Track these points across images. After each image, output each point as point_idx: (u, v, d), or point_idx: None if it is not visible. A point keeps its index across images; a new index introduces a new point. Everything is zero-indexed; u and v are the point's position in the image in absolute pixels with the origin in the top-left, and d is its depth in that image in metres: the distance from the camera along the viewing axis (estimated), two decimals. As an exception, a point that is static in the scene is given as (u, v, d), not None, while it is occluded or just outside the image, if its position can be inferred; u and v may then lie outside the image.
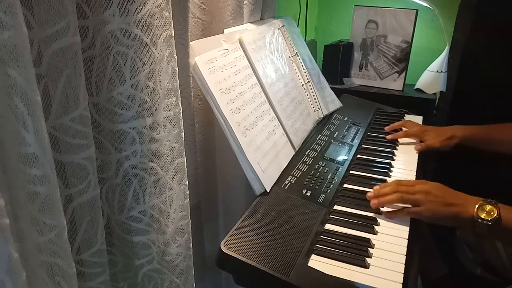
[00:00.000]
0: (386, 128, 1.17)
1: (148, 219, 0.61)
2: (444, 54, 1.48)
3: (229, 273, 0.66)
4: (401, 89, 1.56)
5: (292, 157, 0.94)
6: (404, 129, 1.16)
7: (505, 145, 1.00)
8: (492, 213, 0.69)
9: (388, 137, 1.13)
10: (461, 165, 1.13)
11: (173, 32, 0.57)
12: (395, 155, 1.04)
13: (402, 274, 0.62)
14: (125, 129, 0.56)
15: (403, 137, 1.13)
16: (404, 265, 0.64)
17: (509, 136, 1.00)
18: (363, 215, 0.77)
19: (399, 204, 0.78)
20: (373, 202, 0.78)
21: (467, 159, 1.11)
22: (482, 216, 0.69)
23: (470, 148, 1.04)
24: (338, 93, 1.35)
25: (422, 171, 0.98)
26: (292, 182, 0.84)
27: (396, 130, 1.16)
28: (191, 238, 0.70)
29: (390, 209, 0.78)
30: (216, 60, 0.81)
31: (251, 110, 0.85)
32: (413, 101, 1.50)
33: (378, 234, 0.72)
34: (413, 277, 0.64)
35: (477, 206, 0.70)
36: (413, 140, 1.12)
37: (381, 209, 0.78)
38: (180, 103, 0.61)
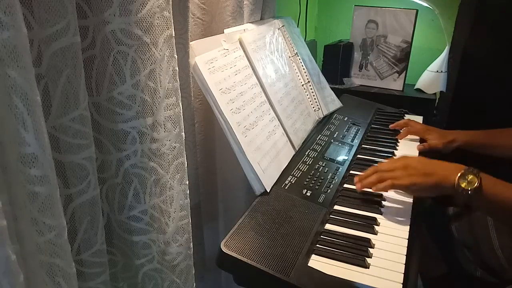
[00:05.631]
0: (391, 126, 1.18)
1: (149, 218, 0.61)
2: (444, 54, 1.48)
3: (229, 273, 0.66)
4: (401, 89, 1.56)
5: (292, 157, 0.94)
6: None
7: (506, 151, 1.00)
8: (473, 182, 0.69)
9: (398, 137, 1.14)
10: (461, 163, 1.13)
11: (173, 32, 0.57)
12: (395, 155, 1.04)
13: (402, 274, 0.62)
14: (125, 129, 0.56)
15: (406, 135, 1.14)
16: (404, 265, 0.64)
17: (509, 141, 1.00)
18: (363, 215, 0.77)
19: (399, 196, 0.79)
20: (357, 186, 0.81)
21: (468, 159, 1.11)
22: (463, 186, 0.69)
23: (471, 152, 1.05)
24: (338, 93, 1.35)
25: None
26: (292, 182, 0.84)
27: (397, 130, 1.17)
28: (191, 237, 0.70)
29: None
30: (216, 60, 0.81)
31: (251, 110, 0.85)
32: (413, 101, 1.50)
33: (378, 234, 0.72)
34: (413, 277, 0.64)
35: (458, 174, 0.71)
36: (413, 141, 1.13)
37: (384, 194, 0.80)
38: (180, 103, 0.61)
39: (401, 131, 1.15)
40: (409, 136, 1.14)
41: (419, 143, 1.11)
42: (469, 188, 0.69)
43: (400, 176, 0.76)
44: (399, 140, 1.13)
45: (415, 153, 1.06)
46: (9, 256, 0.33)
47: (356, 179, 0.83)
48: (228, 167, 0.94)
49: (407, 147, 1.09)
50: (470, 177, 0.70)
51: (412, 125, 1.15)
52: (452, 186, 0.71)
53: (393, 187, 0.77)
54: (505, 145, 1.01)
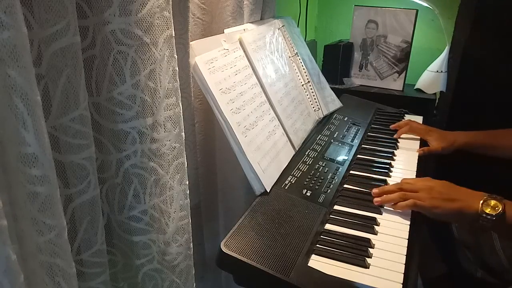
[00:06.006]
0: (392, 126, 1.18)
1: (149, 218, 0.61)
2: (444, 54, 1.48)
3: (229, 273, 0.66)
4: (401, 89, 1.56)
5: (292, 157, 0.94)
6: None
7: (506, 151, 1.01)
8: (497, 208, 0.69)
9: (396, 136, 1.14)
10: (461, 166, 1.13)
11: (173, 32, 0.57)
12: (395, 155, 1.04)
13: (402, 274, 0.62)
14: (125, 129, 0.56)
15: (408, 132, 1.14)
16: (404, 265, 0.64)
17: (509, 142, 1.00)
18: (363, 215, 0.77)
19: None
20: (376, 200, 0.79)
21: (468, 159, 1.11)
22: (487, 211, 0.69)
23: (471, 153, 1.05)
24: (338, 93, 1.35)
25: (423, 171, 0.98)
26: (292, 182, 0.84)
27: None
28: (191, 238, 0.70)
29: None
30: (216, 60, 0.81)
31: (251, 110, 0.85)
32: (413, 101, 1.50)
33: (378, 234, 0.72)
34: (413, 277, 0.64)
35: (482, 201, 0.70)
36: (414, 141, 1.13)
37: (385, 206, 0.79)
38: (180, 103, 0.61)
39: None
40: (409, 136, 1.15)
41: (419, 143, 1.11)
42: (493, 214, 0.69)
43: (423, 198, 0.75)
44: (399, 140, 1.13)
45: (415, 153, 1.06)
46: (10, 255, 0.33)
47: (376, 191, 0.81)
48: (228, 167, 0.94)
49: (407, 147, 1.09)
50: (493, 203, 0.70)
51: (412, 125, 1.15)
52: (475, 213, 0.70)
53: (414, 207, 0.76)
54: (505, 146, 1.01)
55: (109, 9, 0.49)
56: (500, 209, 0.68)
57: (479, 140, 1.05)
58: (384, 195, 0.79)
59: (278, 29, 1.11)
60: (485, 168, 1.13)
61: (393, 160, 1.01)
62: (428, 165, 1.12)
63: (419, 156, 1.04)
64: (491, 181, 0.75)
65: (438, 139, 1.07)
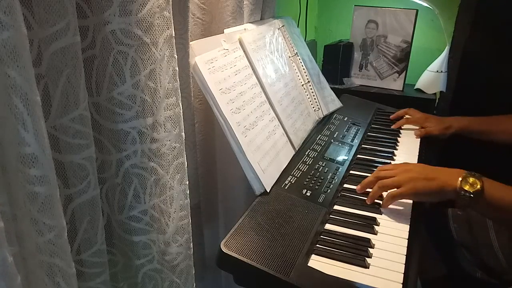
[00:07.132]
0: (392, 117, 1.23)
1: (149, 218, 0.61)
2: (444, 54, 1.48)
3: (229, 273, 0.66)
4: (401, 89, 1.56)
5: (292, 157, 0.94)
6: (407, 116, 1.23)
7: (501, 135, 1.04)
8: (475, 185, 0.69)
9: (393, 126, 1.20)
10: (462, 165, 1.14)
11: (173, 32, 0.57)
12: (395, 155, 1.04)
13: (402, 274, 0.62)
14: (125, 129, 0.56)
15: (405, 124, 1.19)
16: (404, 265, 0.64)
17: (503, 127, 1.04)
18: (363, 215, 0.77)
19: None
20: (367, 201, 0.80)
21: (468, 158, 1.12)
22: (465, 188, 0.70)
23: (470, 140, 1.09)
24: (338, 93, 1.35)
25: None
26: (292, 182, 0.84)
27: (399, 119, 1.22)
28: (191, 238, 0.70)
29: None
30: (216, 60, 0.81)
31: (251, 110, 0.85)
32: (413, 101, 1.50)
33: (378, 234, 0.72)
34: (413, 277, 0.64)
35: (460, 178, 0.71)
36: (414, 141, 1.13)
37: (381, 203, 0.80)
38: (180, 103, 0.61)
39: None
40: (409, 136, 1.15)
41: (419, 144, 1.12)
42: (472, 191, 0.69)
43: (401, 182, 0.76)
44: (399, 140, 1.13)
45: (415, 152, 1.06)
46: (6, 258, 0.33)
47: (359, 188, 0.82)
48: (228, 167, 0.94)
49: (407, 147, 1.09)
50: (472, 180, 0.70)
51: (411, 114, 1.20)
52: (454, 190, 0.71)
53: (395, 198, 0.77)
54: (499, 131, 1.05)
55: (109, 9, 0.49)
56: (479, 186, 0.69)
57: (475, 125, 1.09)
58: (370, 195, 0.80)
59: (278, 29, 1.11)
60: (487, 168, 1.13)
61: (393, 160, 1.01)
62: (428, 164, 1.12)
63: (418, 154, 1.05)
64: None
65: (435, 124, 1.13)
